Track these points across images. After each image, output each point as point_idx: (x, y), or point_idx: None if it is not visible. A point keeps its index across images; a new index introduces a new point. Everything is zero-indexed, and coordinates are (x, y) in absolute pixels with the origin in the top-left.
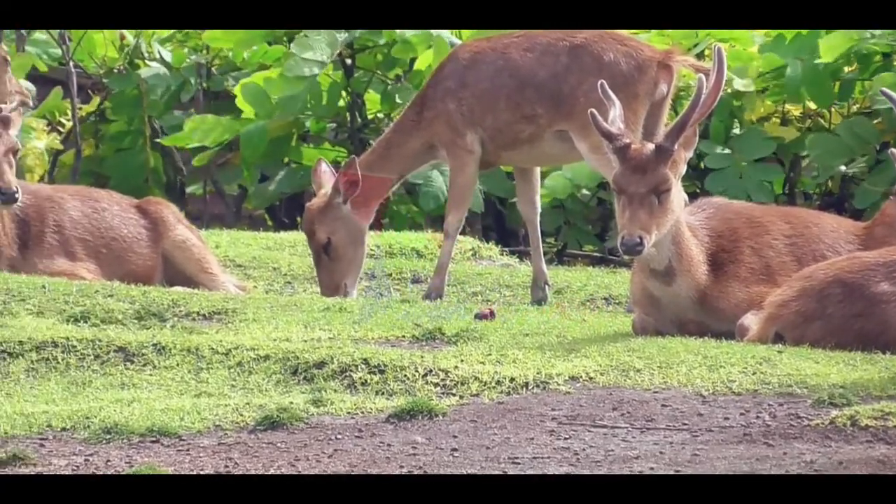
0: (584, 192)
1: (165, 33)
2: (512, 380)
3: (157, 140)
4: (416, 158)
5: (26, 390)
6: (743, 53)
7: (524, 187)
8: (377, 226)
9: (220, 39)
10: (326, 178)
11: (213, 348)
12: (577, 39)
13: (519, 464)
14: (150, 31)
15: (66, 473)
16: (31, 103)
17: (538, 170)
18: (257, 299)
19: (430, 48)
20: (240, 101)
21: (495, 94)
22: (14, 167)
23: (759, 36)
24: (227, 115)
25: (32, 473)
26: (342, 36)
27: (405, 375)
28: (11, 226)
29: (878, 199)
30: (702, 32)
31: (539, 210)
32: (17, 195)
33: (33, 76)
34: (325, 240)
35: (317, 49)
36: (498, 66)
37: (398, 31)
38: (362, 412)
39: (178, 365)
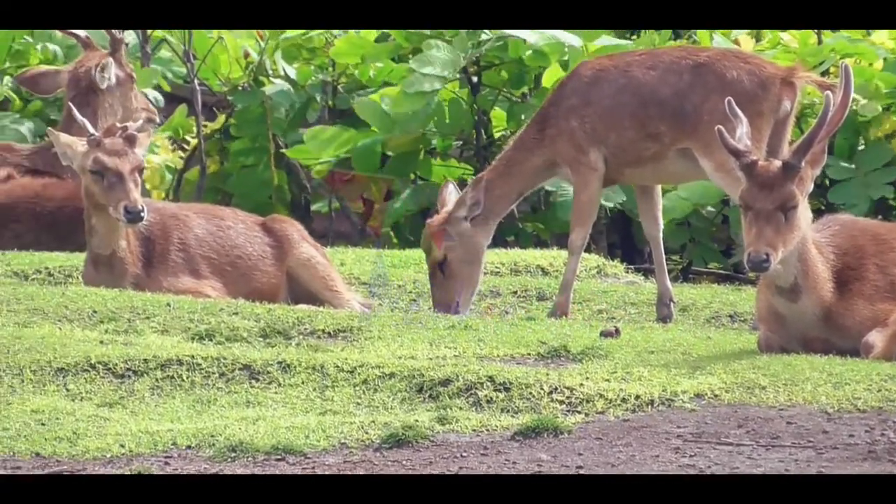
0: (710, 209)
1: (291, 51)
2: (637, 397)
3: (281, 150)
4: (536, 175)
5: (151, 408)
6: (867, 70)
7: (646, 204)
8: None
9: (345, 54)
10: (452, 198)
11: (338, 366)
12: (700, 58)
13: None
14: (273, 49)
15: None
16: (157, 119)
17: (659, 187)
18: (382, 317)
19: (563, 60)
20: (363, 116)
21: (619, 112)
22: (139, 185)
23: (882, 50)
24: (352, 131)
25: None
26: (464, 53)
27: (530, 393)
28: (136, 244)
29: None
30: (826, 49)
31: (661, 227)
32: (142, 214)
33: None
34: (443, 256)
35: (437, 64)
36: (621, 84)
37: (527, 42)
38: (487, 430)
39: (303, 383)
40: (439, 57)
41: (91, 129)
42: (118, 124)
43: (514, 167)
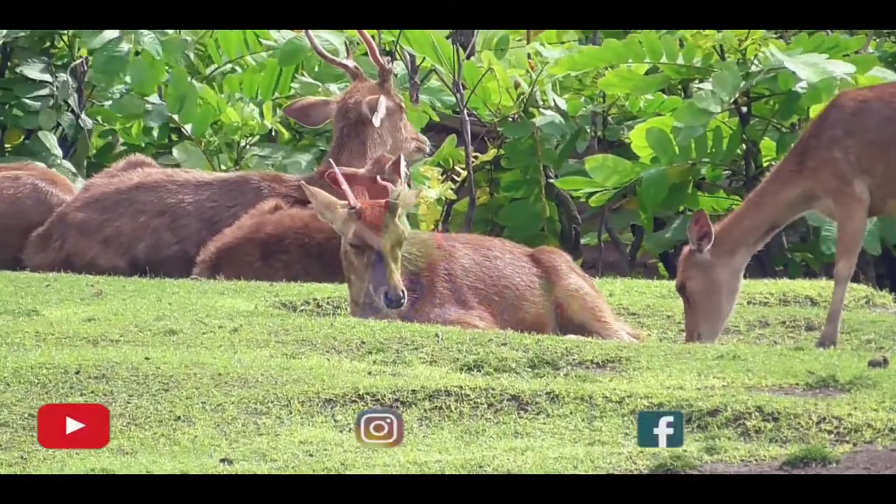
0: None
1: (561, 81)
2: None
3: (550, 181)
4: (790, 208)
5: (419, 439)
6: None
7: None
8: None
9: (614, 86)
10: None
11: (606, 396)
12: None
13: None
14: (544, 80)
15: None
16: (427, 150)
17: None
18: (651, 347)
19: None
20: (636, 146)
21: (886, 143)
22: (399, 260)
23: None
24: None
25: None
26: (742, 80)
27: (798, 423)
28: (402, 279)
29: None
30: None
31: None
32: (403, 300)
33: (428, 124)
34: (680, 285)
35: (726, 87)
36: (885, 115)
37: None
38: (755, 460)
39: (571, 413)
40: (730, 81)
41: (353, 200)
42: (387, 154)
43: (768, 198)
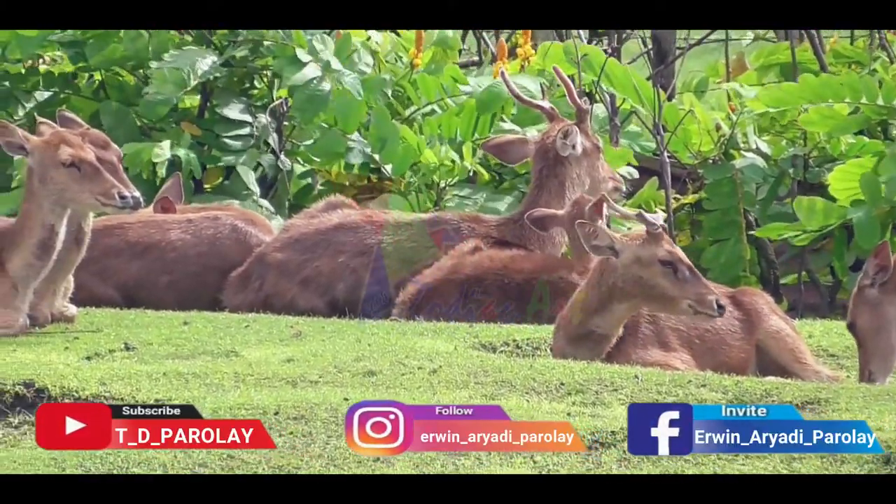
0: None
1: (759, 120)
2: None
3: (751, 233)
4: None
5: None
6: None
7: None
8: None
9: (815, 124)
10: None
11: None
12: None
13: None
14: (745, 121)
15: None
16: (623, 189)
17: None
18: (850, 389)
19: None
20: (834, 189)
21: None
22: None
23: None
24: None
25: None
26: None
27: None
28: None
29: None
30: None
31: None
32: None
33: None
34: (850, 322)
35: None
36: None
37: None
38: None
39: (770, 455)
40: None
41: (651, 219)
42: (586, 195)
43: None
